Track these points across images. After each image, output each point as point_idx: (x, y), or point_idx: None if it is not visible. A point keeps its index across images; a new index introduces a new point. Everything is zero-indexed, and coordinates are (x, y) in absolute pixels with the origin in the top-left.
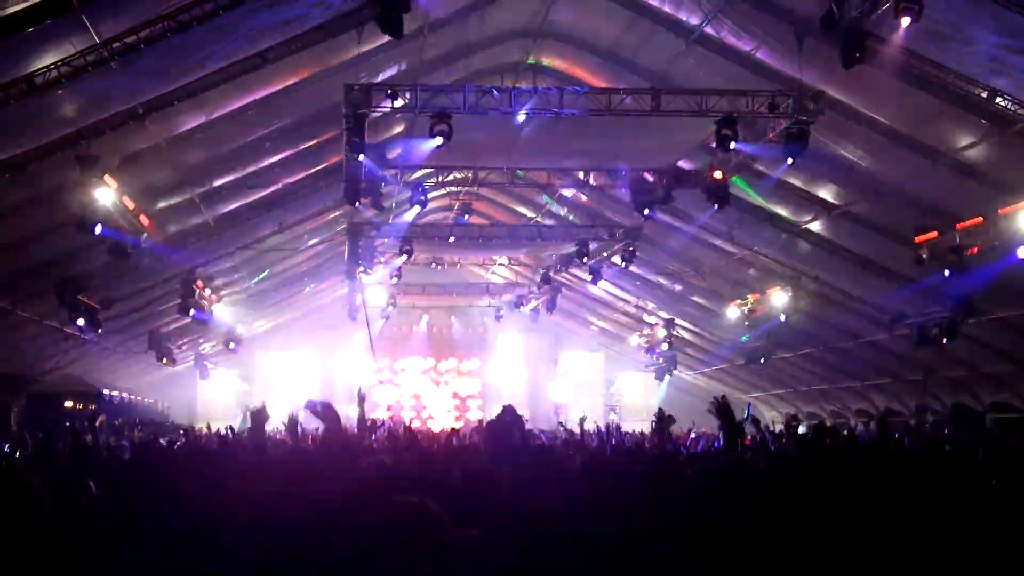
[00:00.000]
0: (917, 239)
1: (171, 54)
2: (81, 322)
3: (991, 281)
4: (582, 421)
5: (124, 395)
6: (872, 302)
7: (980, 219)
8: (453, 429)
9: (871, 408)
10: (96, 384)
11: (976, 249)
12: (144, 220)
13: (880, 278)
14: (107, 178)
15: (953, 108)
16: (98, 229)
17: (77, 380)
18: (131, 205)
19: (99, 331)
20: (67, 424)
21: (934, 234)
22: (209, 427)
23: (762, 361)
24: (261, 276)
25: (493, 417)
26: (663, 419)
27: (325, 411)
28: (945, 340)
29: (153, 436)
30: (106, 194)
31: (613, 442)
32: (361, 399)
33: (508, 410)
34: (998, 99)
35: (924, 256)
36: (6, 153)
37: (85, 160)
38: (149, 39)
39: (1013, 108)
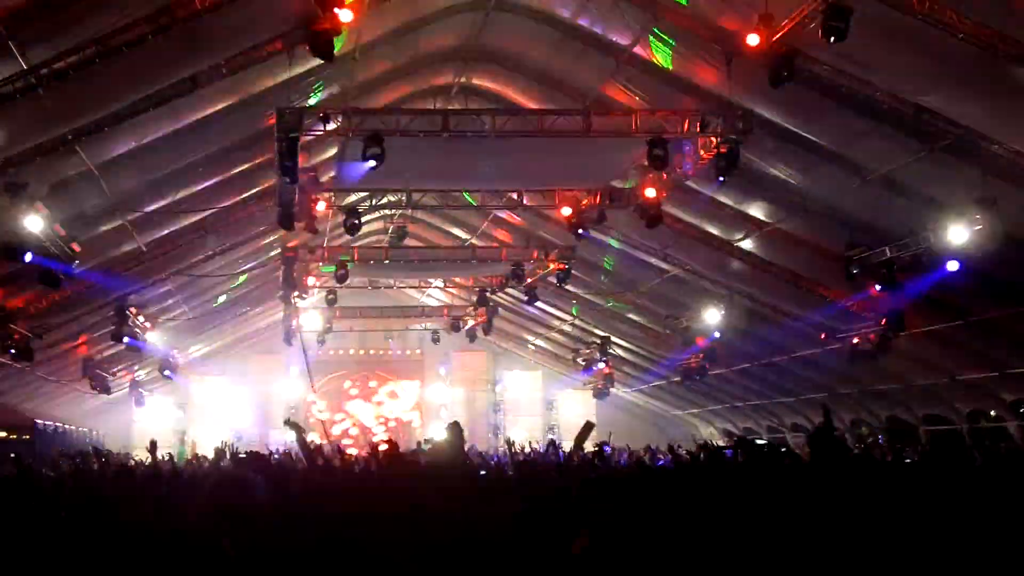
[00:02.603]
0: (848, 255)
1: (100, 80)
2: (13, 352)
3: (921, 295)
4: (510, 444)
5: (58, 425)
6: (805, 318)
7: (909, 234)
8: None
9: (806, 423)
10: (29, 414)
11: (906, 264)
12: (76, 247)
13: (812, 294)
14: (37, 205)
15: (881, 126)
16: (28, 257)
17: (10, 411)
18: (62, 232)
19: (31, 361)
20: (11, 455)
21: (864, 250)
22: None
23: (697, 378)
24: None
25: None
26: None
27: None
28: (877, 354)
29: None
30: (35, 221)
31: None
32: (298, 430)
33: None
34: (924, 116)
35: (855, 272)
36: None
37: (14, 188)
38: (78, 65)
39: (940, 125)
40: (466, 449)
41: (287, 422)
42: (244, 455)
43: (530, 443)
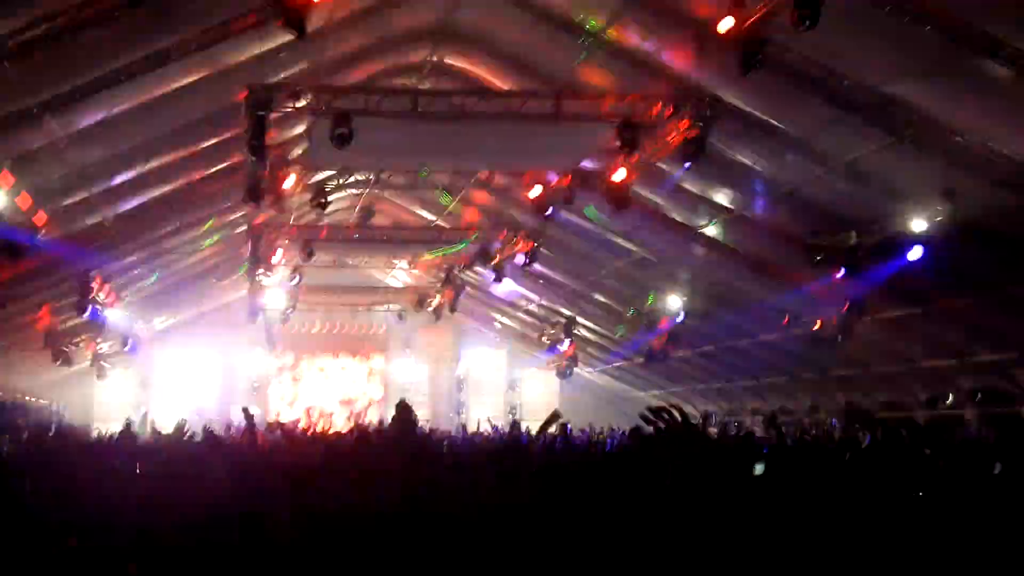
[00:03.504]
0: (811, 241)
1: (66, 53)
2: None
3: (883, 282)
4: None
5: (17, 397)
6: (767, 302)
7: (873, 222)
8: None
9: (765, 407)
10: None
11: (868, 251)
12: (40, 218)
13: (774, 279)
14: (1, 176)
15: (848, 115)
16: None
17: None
18: (25, 203)
19: None
20: None
21: (828, 236)
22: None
23: (660, 359)
24: (153, 278)
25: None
26: (552, 418)
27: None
28: (838, 339)
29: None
30: None
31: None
32: (248, 418)
33: (402, 407)
34: (890, 106)
35: (818, 258)
36: None
37: None
38: (44, 38)
39: (905, 115)
40: (422, 429)
41: (244, 411)
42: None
43: (489, 420)
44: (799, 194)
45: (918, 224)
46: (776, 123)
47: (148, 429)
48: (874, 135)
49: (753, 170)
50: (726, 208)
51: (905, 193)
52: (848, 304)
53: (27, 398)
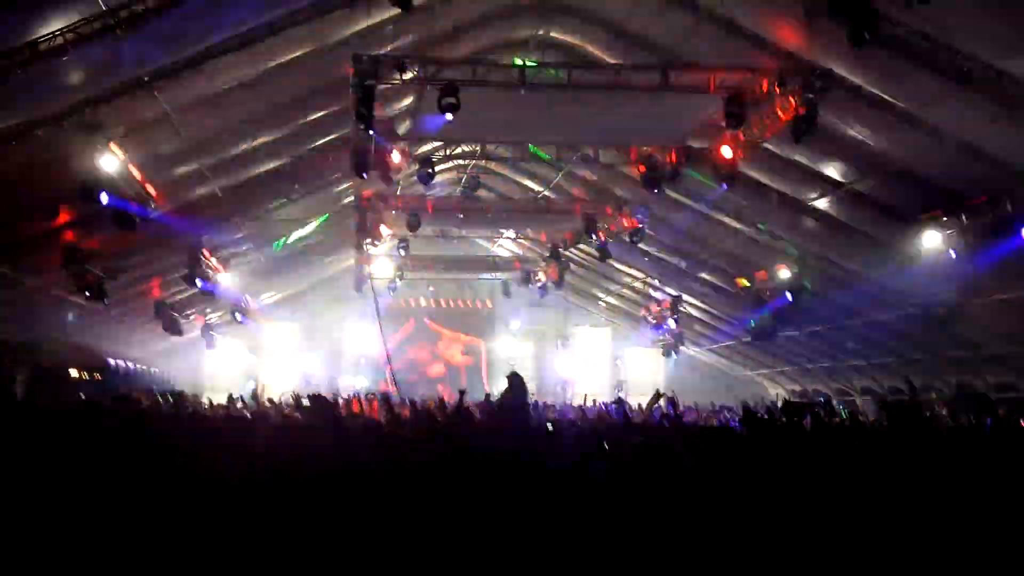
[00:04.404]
0: (924, 217)
1: (178, 22)
2: (87, 292)
3: (997, 262)
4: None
5: (131, 364)
6: (877, 281)
7: (984, 198)
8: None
9: (876, 387)
10: (102, 353)
11: (983, 229)
12: (151, 189)
13: (886, 257)
14: (113, 146)
15: (960, 89)
16: (104, 198)
17: (83, 350)
18: (138, 174)
19: (105, 301)
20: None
21: (938, 213)
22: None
23: (768, 339)
24: (279, 243)
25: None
26: (655, 398)
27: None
28: (950, 320)
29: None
30: (112, 162)
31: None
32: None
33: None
34: (1005, 81)
35: (930, 235)
36: (11, 121)
37: (90, 128)
38: (156, 7)
39: (1021, 90)
40: (531, 402)
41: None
42: (307, 401)
43: (594, 400)
44: (911, 169)
45: None
46: (887, 97)
47: (263, 399)
48: (988, 110)
49: (864, 144)
50: (837, 182)
51: (1020, 170)
52: (961, 284)
53: (140, 366)
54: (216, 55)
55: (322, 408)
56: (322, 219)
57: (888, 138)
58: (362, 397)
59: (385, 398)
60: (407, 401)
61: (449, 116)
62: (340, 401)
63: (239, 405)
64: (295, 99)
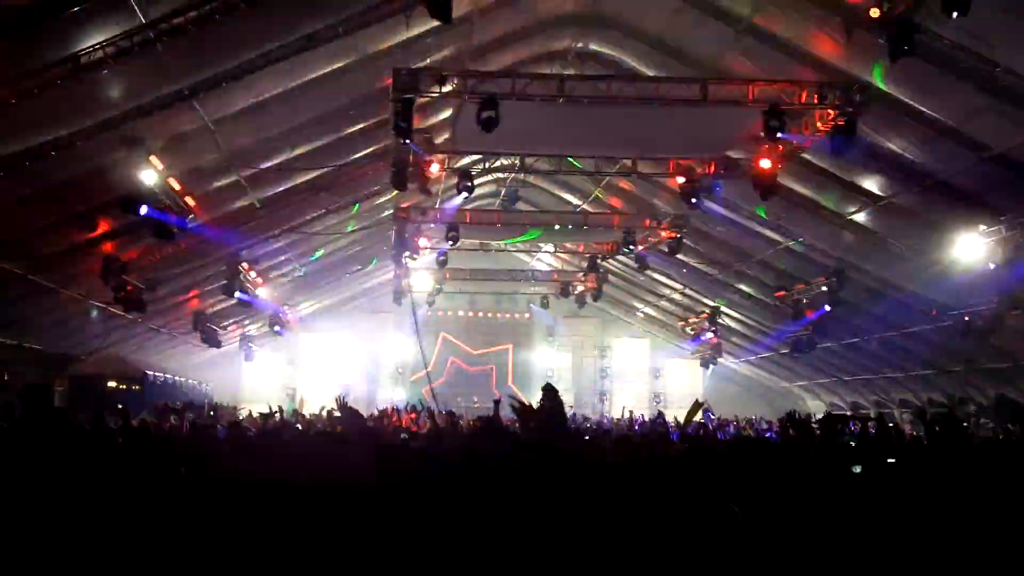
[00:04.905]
0: (962, 230)
1: (217, 36)
2: (126, 303)
3: None
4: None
5: (168, 376)
6: (916, 293)
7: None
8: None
9: (914, 399)
10: (140, 365)
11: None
12: (190, 201)
13: (924, 269)
14: (152, 159)
15: (999, 102)
16: (143, 210)
17: (121, 361)
18: (177, 186)
19: (144, 312)
20: (117, 406)
21: (977, 225)
22: (250, 413)
23: (806, 350)
24: (317, 255)
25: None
26: (695, 407)
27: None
28: (989, 332)
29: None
30: (151, 175)
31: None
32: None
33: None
34: None
35: (968, 248)
36: (51, 133)
37: (130, 141)
38: (195, 21)
39: None
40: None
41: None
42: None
43: (631, 412)
44: (950, 182)
45: None
46: (926, 110)
47: (302, 411)
48: None
49: (903, 157)
50: (875, 195)
51: None
52: (1000, 296)
53: (176, 378)
54: (255, 68)
55: (353, 418)
56: (354, 225)
57: (927, 150)
58: (400, 409)
59: (428, 412)
60: (443, 412)
61: (487, 127)
62: (375, 413)
63: (277, 417)
64: (333, 111)
